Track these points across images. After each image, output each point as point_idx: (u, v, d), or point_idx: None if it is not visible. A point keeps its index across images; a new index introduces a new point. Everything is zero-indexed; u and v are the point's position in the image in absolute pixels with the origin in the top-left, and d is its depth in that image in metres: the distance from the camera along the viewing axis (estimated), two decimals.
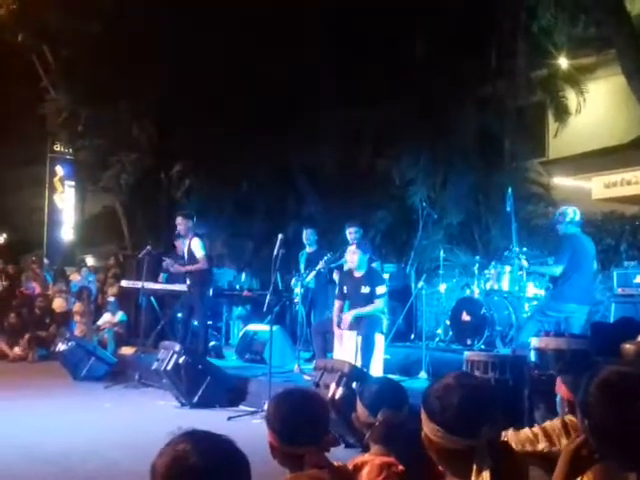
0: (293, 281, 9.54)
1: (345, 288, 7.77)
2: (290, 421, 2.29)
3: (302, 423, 2.29)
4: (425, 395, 2.03)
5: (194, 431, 1.55)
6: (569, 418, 3.04)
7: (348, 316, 7.48)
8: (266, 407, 2.62)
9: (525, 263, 7.62)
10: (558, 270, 7.25)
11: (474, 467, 1.92)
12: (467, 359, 5.71)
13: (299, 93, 13.34)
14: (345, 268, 8.22)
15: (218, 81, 13.89)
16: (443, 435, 1.89)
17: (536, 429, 3.14)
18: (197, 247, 9.19)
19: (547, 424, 3.14)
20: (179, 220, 9.45)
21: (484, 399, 2.02)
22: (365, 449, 2.74)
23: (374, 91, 12.38)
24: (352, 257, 7.69)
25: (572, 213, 7.40)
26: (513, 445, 2.69)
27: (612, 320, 7.73)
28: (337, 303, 7.83)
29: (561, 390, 3.30)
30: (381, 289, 7.59)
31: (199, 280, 9.21)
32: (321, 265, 8.76)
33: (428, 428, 1.95)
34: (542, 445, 3.02)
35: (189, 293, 9.35)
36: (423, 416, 1.97)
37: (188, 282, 9.33)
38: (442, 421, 1.90)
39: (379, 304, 7.57)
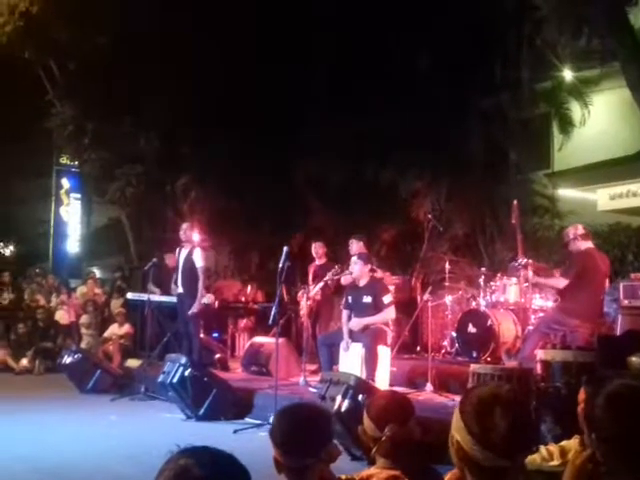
0: (300, 293, 9.57)
1: (350, 298, 7.92)
2: (290, 434, 2.32)
3: (301, 435, 2.31)
4: (466, 403, 1.86)
5: (192, 447, 1.56)
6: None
7: (357, 323, 7.62)
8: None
9: (531, 275, 7.60)
10: (561, 284, 7.23)
11: None
12: (473, 372, 5.70)
13: (303, 106, 13.40)
14: (349, 279, 8.32)
15: (223, 95, 13.97)
16: (480, 450, 1.77)
17: (552, 447, 3.11)
18: (198, 257, 9.29)
19: (564, 443, 3.12)
20: (185, 226, 9.64)
21: (530, 420, 1.92)
22: (371, 462, 2.74)
23: (378, 103, 12.42)
24: (353, 267, 7.92)
25: (574, 229, 7.38)
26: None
27: (618, 332, 7.70)
28: (344, 313, 7.94)
29: (582, 401, 3.27)
30: (387, 298, 7.69)
31: (192, 291, 9.25)
32: (327, 278, 8.81)
33: (463, 438, 1.81)
34: (556, 462, 3.00)
35: (182, 304, 9.39)
36: (458, 424, 1.84)
37: (181, 291, 9.39)
38: (485, 439, 1.77)
39: (390, 313, 7.69)
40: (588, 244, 7.31)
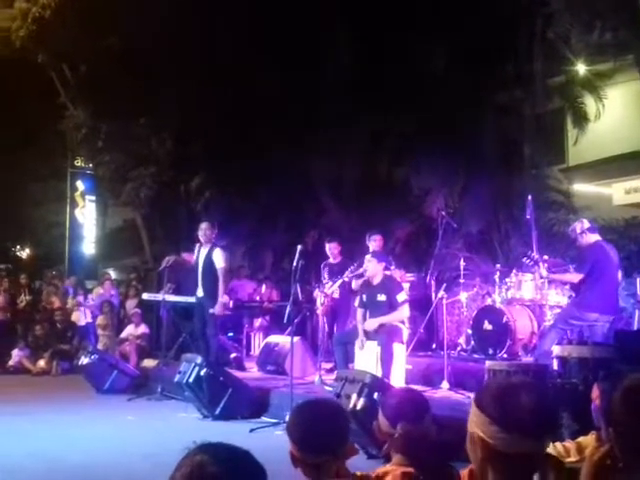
0: (316, 292, 9.54)
1: (364, 297, 7.89)
2: (307, 430, 2.31)
3: (319, 432, 2.31)
4: (483, 396, 1.83)
5: (209, 443, 1.57)
6: None
7: (372, 323, 7.57)
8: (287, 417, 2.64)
9: (544, 272, 7.57)
10: (576, 278, 7.19)
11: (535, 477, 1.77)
12: (488, 368, 5.67)
13: (317, 104, 13.38)
14: (364, 277, 8.28)
15: (237, 94, 13.97)
16: (505, 435, 1.73)
17: (569, 443, 3.09)
18: (219, 258, 9.14)
19: (581, 439, 3.09)
20: (205, 225, 9.36)
21: (551, 400, 1.93)
22: (387, 459, 2.73)
23: (392, 100, 12.39)
24: (367, 265, 7.88)
25: (580, 224, 7.37)
26: None
27: (636, 327, 7.65)
28: (359, 311, 7.91)
29: (596, 397, 3.25)
30: (401, 296, 7.65)
31: (212, 292, 9.17)
32: (346, 275, 8.76)
33: (486, 431, 1.77)
34: (573, 459, 2.97)
35: (201, 305, 9.33)
36: (478, 418, 1.80)
37: (201, 292, 9.33)
38: (509, 420, 1.73)
39: (404, 311, 7.65)
40: (596, 237, 7.29)
